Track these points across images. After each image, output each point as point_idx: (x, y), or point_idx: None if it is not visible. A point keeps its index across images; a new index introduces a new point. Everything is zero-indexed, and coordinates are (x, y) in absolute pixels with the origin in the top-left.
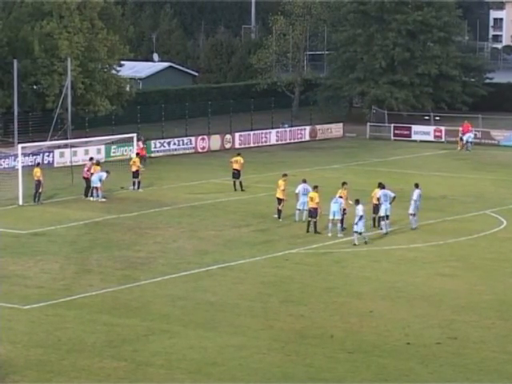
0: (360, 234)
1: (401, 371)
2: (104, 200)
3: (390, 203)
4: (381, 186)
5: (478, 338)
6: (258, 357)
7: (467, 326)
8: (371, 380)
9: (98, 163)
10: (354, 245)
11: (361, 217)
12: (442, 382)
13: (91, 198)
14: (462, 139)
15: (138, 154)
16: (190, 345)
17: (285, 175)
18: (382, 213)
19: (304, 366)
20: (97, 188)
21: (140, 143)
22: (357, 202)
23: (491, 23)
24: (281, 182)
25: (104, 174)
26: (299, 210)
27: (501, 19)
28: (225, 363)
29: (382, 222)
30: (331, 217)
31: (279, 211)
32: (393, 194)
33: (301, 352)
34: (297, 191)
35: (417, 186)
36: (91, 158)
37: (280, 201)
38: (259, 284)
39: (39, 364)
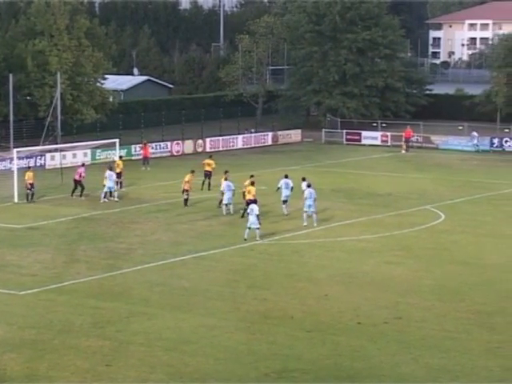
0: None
1: (353, 347)
2: (117, 200)
3: (291, 191)
4: (286, 176)
5: (420, 318)
6: (226, 335)
7: (410, 307)
8: (327, 355)
9: (110, 168)
10: None
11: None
12: (388, 356)
13: (113, 199)
14: (406, 142)
15: (120, 158)
16: (166, 325)
17: (193, 171)
18: (283, 198)
19: (267, 343)
20: (112, 191)
21: (146, 146)
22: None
23: (430, 41)
24: (188, 176)
25: (113, 174)
26: (226, 204)
27: (439, 38)
28: (198, 341)
29: (283, 206)
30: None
31: (185, 200)
32: (291, 184)
33: (264, 331)
34: (221, 189)
35: (303, 179)
36: (83, 164)
37: (184, 191)
38: (228, 271)
39: (33, 343)
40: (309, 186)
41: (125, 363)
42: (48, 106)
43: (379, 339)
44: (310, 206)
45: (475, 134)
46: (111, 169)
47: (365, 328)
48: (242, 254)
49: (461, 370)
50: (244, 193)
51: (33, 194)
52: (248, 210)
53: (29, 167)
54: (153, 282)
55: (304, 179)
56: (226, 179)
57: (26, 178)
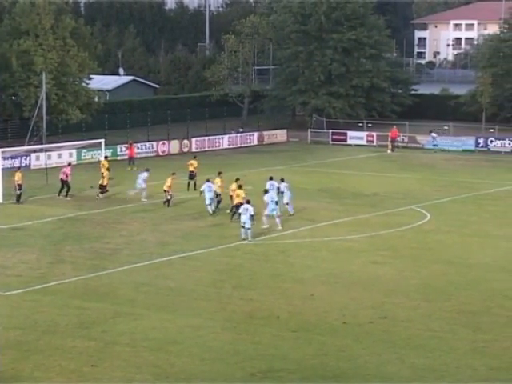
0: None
1: (338, 347)
2: (145, 200)
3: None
4: (270, 178)
5: (406, 318)
6: (212, 336)
7: (396, 307)
8: (312, 355)
9: (146, 169)
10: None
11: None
12: (374, 356)
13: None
14: (392, 142)
15: (106, 158)
16: (152, 326)
17: (174, 174)
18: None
19: (253, 343)
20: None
21: (132, 146)
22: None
23: (416, 42)
24: (169, 180)
25: (146, 174)
26: (208, 204)
27: (424, 38)
28: (183, 342)
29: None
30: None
31: (167, 201)
32: (277, 185)
33: (250, 331)
34: (201, 189)
35: (282, 180)
36: (69, 164)
37: (165, 192)
38: (214, 271)
39: (18, 344)
40: (265, 191)
41: (110, 364)
42: (33, 106)
43: (365, 339)
44: (273, 209)
45: (434, 134)
46: (147, 170)
47: (350, 328)
48: (228, 254)
49: (446, 369)
50: (231, 196)
51: (20, 195)
52: (241, 210)
53: (19, 167)
54: (139, 282)
55: (271, 178)
56: (208, 180)
57: (16, 178)
